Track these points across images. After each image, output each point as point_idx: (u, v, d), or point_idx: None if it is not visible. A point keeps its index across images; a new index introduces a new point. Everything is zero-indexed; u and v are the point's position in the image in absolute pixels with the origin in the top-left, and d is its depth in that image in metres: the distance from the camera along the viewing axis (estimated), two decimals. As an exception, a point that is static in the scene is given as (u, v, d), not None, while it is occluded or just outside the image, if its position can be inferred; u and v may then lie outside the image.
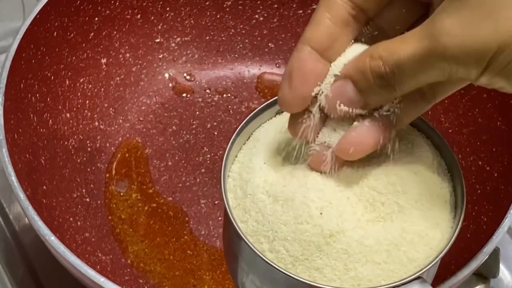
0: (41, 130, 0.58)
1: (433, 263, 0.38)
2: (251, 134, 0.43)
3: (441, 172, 0.41)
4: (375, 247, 0.38)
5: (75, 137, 0.62)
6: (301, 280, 0.38)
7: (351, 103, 0.37)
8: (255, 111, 0.43)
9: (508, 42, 0.33)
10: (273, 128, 0.43)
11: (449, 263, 0.54)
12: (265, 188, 0.40)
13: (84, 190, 0.61)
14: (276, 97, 0.42)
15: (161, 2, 0.67)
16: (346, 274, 0.38)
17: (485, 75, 0.34)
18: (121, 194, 0.63)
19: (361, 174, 0.40)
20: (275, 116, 0.44)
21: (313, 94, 0.38)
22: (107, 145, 0.65)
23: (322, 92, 0.38)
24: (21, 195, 0.49)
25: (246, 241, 0.39)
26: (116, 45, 0.66)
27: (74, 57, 0.62)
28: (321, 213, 0.38)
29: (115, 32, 0.66)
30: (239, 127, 0.42)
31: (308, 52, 0.38)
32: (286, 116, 0.42)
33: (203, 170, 0.65)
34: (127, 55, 0.67)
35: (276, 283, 0.40)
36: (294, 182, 0.39)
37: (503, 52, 0.33)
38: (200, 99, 0.69)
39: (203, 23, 0.69)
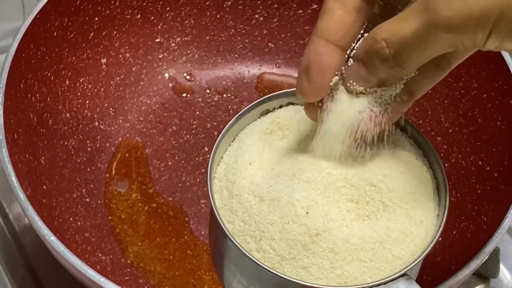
0: (41, 130, 0.58)
1: (418, 260, 0.39)
2: (236, 135, 0.43)
3: (424, 171, 0.41)
4: (361, 246, 0.38)
5: (75, 137, 0.62)
6: (288, 279, 0.38)
7: (365, 83, 0.37)
8: (239, 113, 0.43)
9: (509, 5, 0.32)
10: (257, 129, 0.43)
11: (449, 263, 0.54)
12: (251, 189, 0.40)
13: (84, 190, 0.61)
14: (259, 99, 0.42)
15: (161, 2, 0.67)
16: (333, 272, 0.38)
17: (491, 40, 0.34)
18: (121, 194, 0.63)
19: (346, 174, 0.40)
20: (259, 118, 0.44)
21: (331, 83, 0.38)
22: (107, 145, 0.65)
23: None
24: (21, 195, 0.49)
25: (233, 241, 0.39)
26: (116, 45, 0.66)
27: (74, 57, 0.62)
28: (307, 213, 0.38)
29: (115, 32, 0.66)
30: (224, 129, 0.42)
31: (324, 44, 0.37)
32: (270, 117, 0.43)
33: (203, 170, 0.65)
34: (127, 55, 0.67)
35: (263, 283, 0.40)
36: (280, 182, 0.40)
37: (505, 16, 0.32)
38: (200, 99, 0.69)
39: (203, 23, 0.69)
